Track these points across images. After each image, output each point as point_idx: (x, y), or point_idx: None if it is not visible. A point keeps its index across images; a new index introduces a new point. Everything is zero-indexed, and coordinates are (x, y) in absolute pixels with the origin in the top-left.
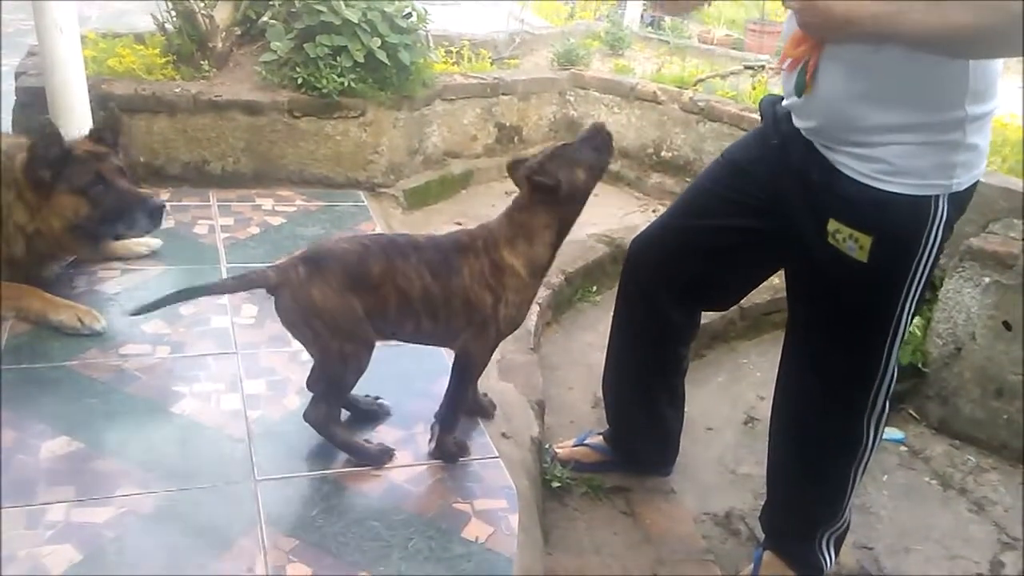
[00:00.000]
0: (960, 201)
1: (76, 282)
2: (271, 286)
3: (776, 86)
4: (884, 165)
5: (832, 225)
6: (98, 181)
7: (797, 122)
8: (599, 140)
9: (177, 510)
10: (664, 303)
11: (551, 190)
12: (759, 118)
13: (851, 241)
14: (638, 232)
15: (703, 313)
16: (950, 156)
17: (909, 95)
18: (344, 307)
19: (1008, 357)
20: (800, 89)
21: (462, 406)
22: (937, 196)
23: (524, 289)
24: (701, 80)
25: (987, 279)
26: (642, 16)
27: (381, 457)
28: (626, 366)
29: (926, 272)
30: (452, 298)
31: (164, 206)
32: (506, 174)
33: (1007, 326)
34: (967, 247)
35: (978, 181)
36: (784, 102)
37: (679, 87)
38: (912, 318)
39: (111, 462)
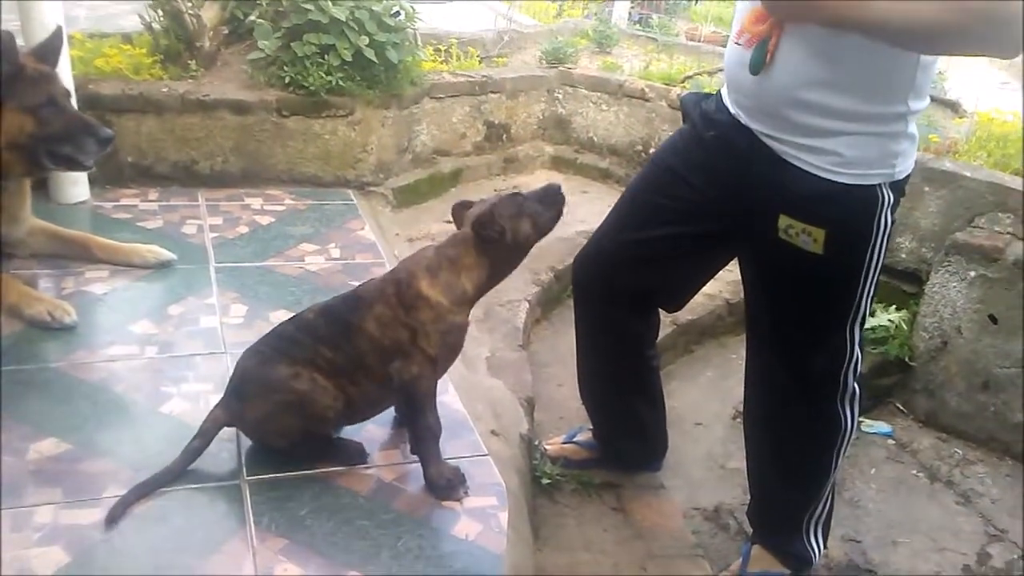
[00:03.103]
0: (899, 188)
1: (64, 283)
2: (226, 424)
3: None
4: (834, 157)
5: (783, 221)
6: (50, 103)
7: (741, 101)
8: (551, 198)
9: (165, 511)
10: (619, 314)
11: (495, 240)
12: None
13: (805, 235)
14: (580, 249)
15: (690, 307)
16: (893, 145)
17: (861, 84)
18: (283, 413)
19: (994, 350)
20: (757, 67)
21: (430, 435)
22: (881, 184)
23: (445, 316)
24: (689, 77)
25: (973, 273)
26: (630, 14)
27: (360, 452)
28: (597, 375)
29: (881, 256)
30: (364, 356)
31: (113, 137)
32: (497, 173)
33: (993, 320)
34: (953, 241)
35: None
36: (727, 79)
37: (667, 84)
38: (872, 300)
39: (99, 463)
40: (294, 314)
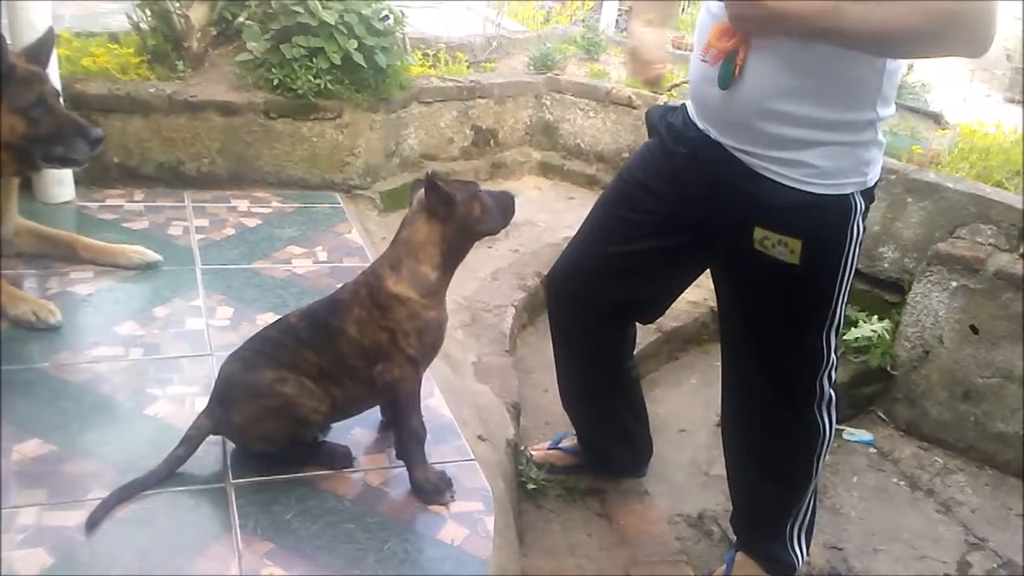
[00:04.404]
0: (870, 194)
1: (49, 283)
2: (211, 431)
3: None
4: (809, 168)
5: (759, 233)
6: (40, 103)
7: (710, 117)
8: (504, 201)
9: (150, 514)
10: (594, 328)
11: (447, 200)
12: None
13: (781, 247)
14: (552, 265)
15: (674, 315)
16: (864, 153)
17: (830, 93)
18: (269, 417)
19: (975, 360)
20: (726, 82)
21: (414, 439)
22: (854, 192)
23: (419, 313)
24: (675, 85)
25: (954, 283)
26: (617, 21)
27: (346, 456)
28: (576, 387)
29: (854, 262)
30: (347, 359)
31: (103, 137)
32: (484, 179)
33: (974, 330)
34: (935, 252)
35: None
36: (693, 96)
37: (654, 92)
38: (846, 305)
39: (83, 464)
40: (277, 318)
